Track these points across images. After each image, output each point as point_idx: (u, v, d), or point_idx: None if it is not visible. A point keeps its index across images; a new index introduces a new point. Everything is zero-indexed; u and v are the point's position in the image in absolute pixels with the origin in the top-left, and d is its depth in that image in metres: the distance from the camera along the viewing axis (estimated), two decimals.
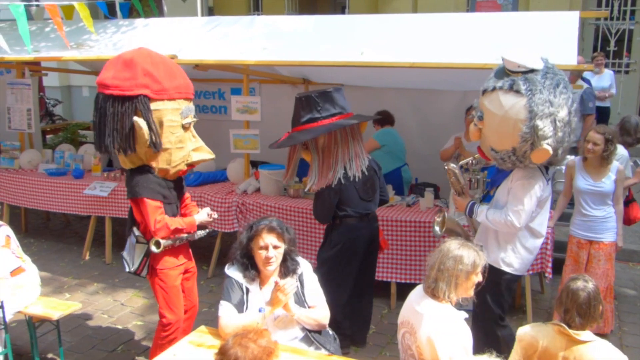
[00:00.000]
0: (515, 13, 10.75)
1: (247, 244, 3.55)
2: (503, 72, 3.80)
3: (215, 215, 4.43)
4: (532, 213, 3.97)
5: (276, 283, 3.45)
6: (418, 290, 3.31)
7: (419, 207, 5.98)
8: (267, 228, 3.51)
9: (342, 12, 16.46)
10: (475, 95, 6.86)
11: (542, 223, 4.14)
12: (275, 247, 3.51)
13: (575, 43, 4.93)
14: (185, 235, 4.28)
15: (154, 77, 3.92)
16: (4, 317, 4.30)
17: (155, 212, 4.03)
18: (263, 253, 3.50)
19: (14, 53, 7.09)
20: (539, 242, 4.18)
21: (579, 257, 5.15)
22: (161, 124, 3.98)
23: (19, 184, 7.56)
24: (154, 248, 4.05)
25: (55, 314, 4.49)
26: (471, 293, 3.19)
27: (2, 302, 4.23)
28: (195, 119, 4.20)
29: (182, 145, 4.12)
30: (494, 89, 3.76)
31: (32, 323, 4.60)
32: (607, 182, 4.98)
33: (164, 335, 4.26)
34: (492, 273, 4.00)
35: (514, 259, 4.07)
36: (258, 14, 15.14)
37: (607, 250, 5.06)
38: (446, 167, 4.33)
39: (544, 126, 3.59)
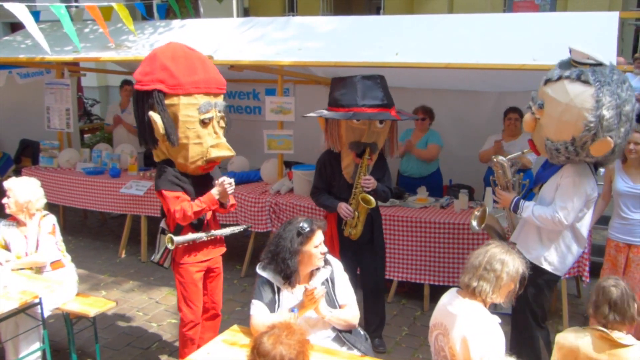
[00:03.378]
0: (553, 13, 10.62)
1: (298, 249, 3.53)
2: (569, 63, 3.76)
3: (230, 180, 4.19)
4: (580, 212, 3.91)
5: (306, 289, 3.47)
6: (450, 293, 3.29)
7: (453, 209, 5.94)
8: (317, 226, 3.61)
9: (377, 12, 16.43)
10: (511, 96, 6.86)
11: (586, 225, 4.08)
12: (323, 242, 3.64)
13: (614, 44, 4.84)
14: (214, 232, 4.30)
15: (170, 71, 3.93)
16: (42, 313, 4.38)
17: (175, 203, 4.04)
18: (319, 250, 3.58)
19: (54, 54, 7.22)
20: (581, 245, 4.12)
21: (617, 261, 5.05)
22: (176, 118, 3.98)
23: (57, 183, 7.70)
24: (168, 245, 4.09)
25: (91, 311, 4.57)
26: (503, 299, 3.16)
27: (40, 298, 4.31)
28: (220, 115, 4.16)
29: (200, 141, 4.08)
30: (559, 77, 3.70)
31: (70, 319, 4.68)
32: None
33: (184, 332, 4.32)
34: (533, 271, 3.96)
35: (555, 258, 4.02)
36: (293, 15, 15.20)
37: None
38: (494, 160, 4.25)
39: (610, 117, 3.53)
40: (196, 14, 9.57)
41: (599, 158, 3.77)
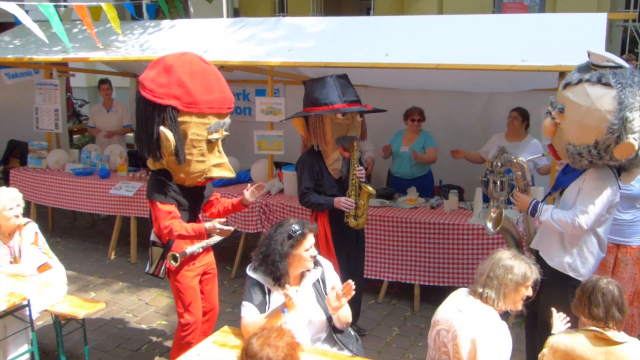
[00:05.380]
0: (542, 15, 10.66)
1: (288, 252, 3.54)
2: (588, 67, 3.71)
3: (226, 228, 4.20)
4: (601, 217, 3.85)
5: (286, 295, 3.45)
6: (461, 292, 3.30)
7: (443, 209, 5.95)
8: (308, 229, 3.61)
9: (367, 13, 16.44)
10: (501, 96, 6.88)
11: (607, 230, 4.03)
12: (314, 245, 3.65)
13: (602, 45, 4.87)
14: (204, 242, 4.29)
15: (187, 89, 3.86)
16: (30, 315, 4.35)
17: (165, 217, 4.00)
18: (309, 253, 3.59)
19: (42, 54, 7.19)
20: (603, 249, 4.06)
21: (606, 261, 5.06)
22: (185, 135, 3.95)
23: (46, 184, 7.66)
24: (172, 262, 4.06)
25: (81, 313, 4.54)
26: (519, 307, 3.16)
27: (28, 300, 4.28)
28: (225, 134, 4.15)
29: (204, 159, 4.07)
30: (579, 81, 3.64)
31: (58, 321, 4.65)
32: (637, 185, 4.89)
33: (182, 336, 4.29)
34: (557, 279, 3.90)
35: (579, 264, 3.94)
36: (283, 15, 15.19)
37: (634, 255, 4.97)
38: (514, 160, 4.19)
39: (634, 119, 3.47)
40: (186, 14, 9.55)
41: (622, 161, 3.72)
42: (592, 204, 3.76)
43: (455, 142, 7.12)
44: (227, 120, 4.18)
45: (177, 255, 4.06)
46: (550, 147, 4.07)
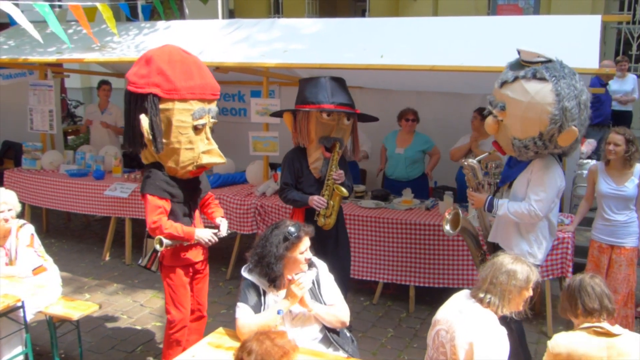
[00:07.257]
0: (537, 16, 10.68)
1: (283, 254, 3.53)
2: (519, 64, 3.95)
3: (216, 239, 4.24)
4: (552, 203, 4.05)
5: (290, 278, 3.47)
6: (463, 294, 3.30)
7: (438, 211, 5.95)
8: (304, 232, 3.60)
9: (363, 15, 16.43)
10: None
11: (556, 214, 4.27)
12: (310, 247, 3.65)
13: (596, 47, 4.90)
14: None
15: (166, 76, 3.91)
16: (24, 316, 4.34)
17: (154, 211, 4.02)
18: (304, 256, 3.58)
19: (37, 54, 7.17)
20: (553, 233, 4.28)
21: (600, 262, 5.09)
22: (170, 123, 3.98)
23: (40, 185, 7.64)
24: (157, 246, 4.06)
25: (75, 314, 4.53)
26: (521, 307, 3.17)
27: (22, 301, 4.26)
28: (213, 121, 4.16)
29: (192, 146, 4.08)
30: (515, 78, 3.87)
31: (53, 323, 4.63)
32: (630, 186, 4.92)
33: (170, 333, 4.30)
34: None
35: (536, 250, 4.15)
36: (278, 17, 15.17)
37: (628, 256, 5.00)
38: (464, 163, 4.34)
39: (572, 107, 3.72)
40: (181, 15, 9.54)
41: (565, 148, 3.94)
42: (543, 192, 3.98)
43: (448, 143, 7.13)
44: (213, 107, 4.20)
45: (164, 240, 4.03)
46: (495, 144, 4.25)
